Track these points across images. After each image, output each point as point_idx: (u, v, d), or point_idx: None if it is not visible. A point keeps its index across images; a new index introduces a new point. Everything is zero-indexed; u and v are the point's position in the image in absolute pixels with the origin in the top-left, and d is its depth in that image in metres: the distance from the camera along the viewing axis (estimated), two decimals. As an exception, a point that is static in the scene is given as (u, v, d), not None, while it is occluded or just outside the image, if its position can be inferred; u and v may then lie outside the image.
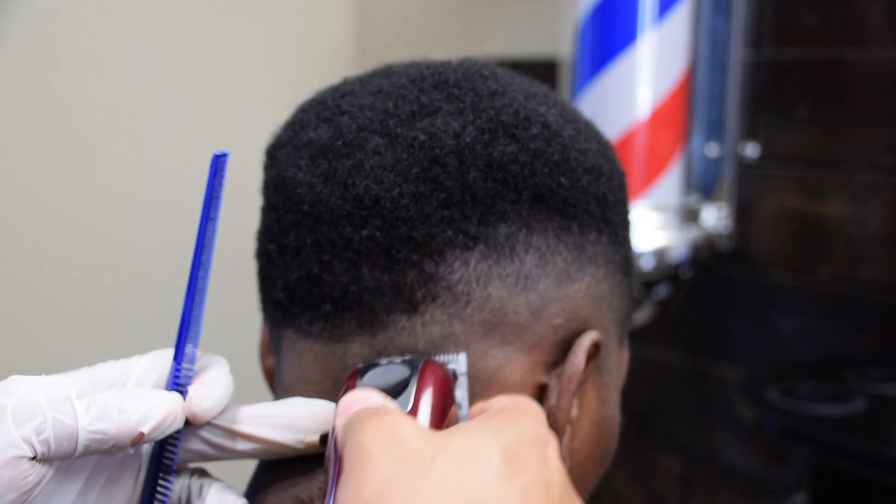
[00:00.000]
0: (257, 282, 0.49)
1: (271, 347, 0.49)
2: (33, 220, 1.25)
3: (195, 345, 0.39)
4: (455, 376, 0.42)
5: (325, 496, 0.35)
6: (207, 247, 0.38)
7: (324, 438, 0.41)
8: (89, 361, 0.40)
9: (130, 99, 1.32)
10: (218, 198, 0.38)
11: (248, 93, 1.47)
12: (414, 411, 0.38)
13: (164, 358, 0.40)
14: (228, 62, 1.44)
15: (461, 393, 0.42)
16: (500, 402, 0.39)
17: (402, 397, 0.38)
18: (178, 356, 0.39)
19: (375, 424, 0.34)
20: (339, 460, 0.35)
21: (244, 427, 0.40)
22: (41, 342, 1.26)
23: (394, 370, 0.40)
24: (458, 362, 0.42)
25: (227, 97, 1.44)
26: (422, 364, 0.40)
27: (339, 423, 0.36)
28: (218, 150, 0.38)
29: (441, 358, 0.42)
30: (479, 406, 0.41)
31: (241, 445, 0.40)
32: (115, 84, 1.30)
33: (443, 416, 0.38)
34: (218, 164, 0.38)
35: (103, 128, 1.30)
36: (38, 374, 0.37)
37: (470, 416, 0.41)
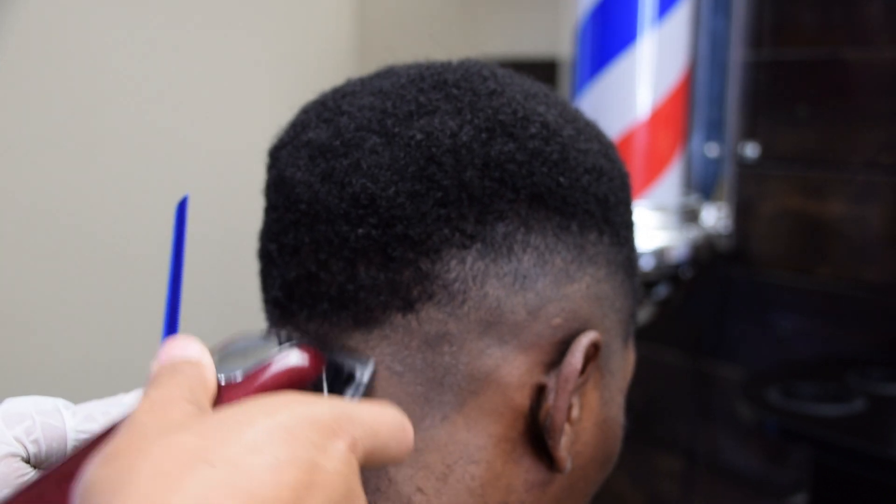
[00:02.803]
0: (259, 281, 0.49)
1: None
2: (33, 219, 1.25)
3: None
4: (351, 378, 0.42)
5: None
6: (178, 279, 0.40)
7: None
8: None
9: (131, 98, 1.32)
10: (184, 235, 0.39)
11: (248, 93, 1.47)
12: (239, 382, 0.37)
13: None
14: (229, 63, 1.44)
15: (349, 395, 0.42)
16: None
17: (243, 365, 0.38)
18: None
19: (152, 394, 0.32)
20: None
21: None
22: (34, 345, 1.26)
23: (266, 343, 0.40)
24: (364, 370, 0.42)
25: (228, 97, 1.44)
26: (288, 346, 0.40)
27: (153, 367, 0.35)
28: (189, 185, 0.39)
29: (349, 360, 0.42)
30: None
31: None
32: (115, 84, 1.30)
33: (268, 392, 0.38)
34: (182, 207, 0.39)
35: (103, 128, 1.30)
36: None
37: None
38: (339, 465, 0.31)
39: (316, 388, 0.41)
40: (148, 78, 1.34)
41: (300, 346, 0.40)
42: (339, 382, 0.42)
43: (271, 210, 0.47)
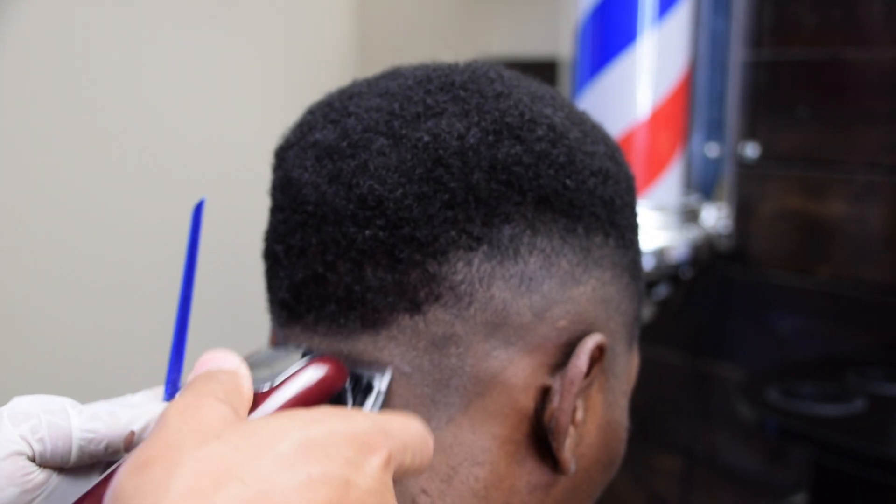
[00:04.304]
0: (265, 282, 0.49)
1: None
2: (32, 220, 1.25)
3: (180, 369, 0.41)
4: (370, 388, 0.42)
5: None
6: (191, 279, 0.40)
7: None
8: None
9: (130, 99, 1.32)
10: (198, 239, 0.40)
11: (248, 93, 1.47)
12: (269, 391, 0.38)
13: (154, 393, 0.41)
14: (229, 63, 1.44)
15: (370, 404, 0.42)
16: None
17: (272, 377, 0.39)
18: (168, 381, 0.40)
19: (186, 396, 0.32)
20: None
21: None
22: (38, 347, 1.26)
23: (289, 355, 0.41)
24: (381, 379, 0.42)
25: (228, 97, 1.44)
26: (312, 357, 0.40)
27: (189, 378, 0.35)
28: (204, 182, 0.39)
29: (366, 369, 0.43)
30: None
31: None
32: (116, 85, 1.30)
33: (300, 405, 0.38)
34: (198, 211, 0.39)
35: (106, 129, 1.30)
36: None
37: None
38: (372, 483, 0.31)
39: (340, 398, 0.41)
40: (150, 79, 1.33)
41: (324, 357, 0.40)
42: (359, 392, 0.42)
43: (278, 211, 0.47)
